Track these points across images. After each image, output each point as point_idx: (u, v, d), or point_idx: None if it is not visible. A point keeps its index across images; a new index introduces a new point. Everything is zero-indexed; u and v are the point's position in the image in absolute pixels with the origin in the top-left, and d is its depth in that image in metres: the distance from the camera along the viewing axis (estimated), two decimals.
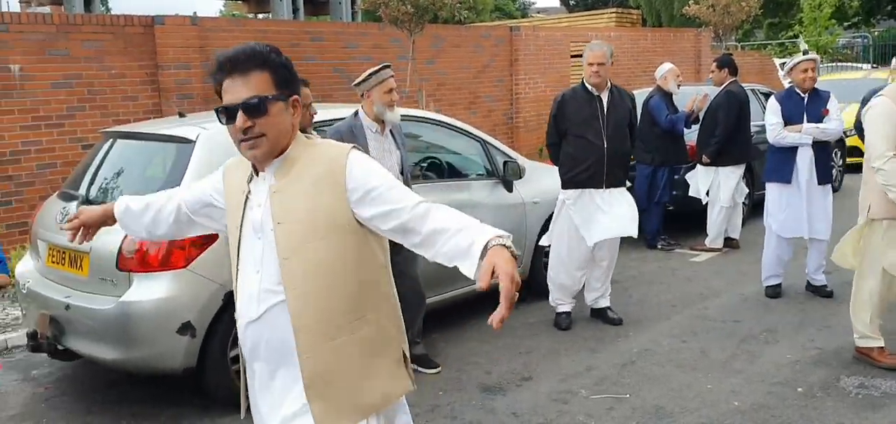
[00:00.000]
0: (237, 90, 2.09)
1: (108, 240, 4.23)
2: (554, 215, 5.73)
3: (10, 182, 7.84)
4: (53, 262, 4.60)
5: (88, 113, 8.36)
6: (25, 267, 4.96)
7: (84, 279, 4.35)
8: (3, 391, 4.93)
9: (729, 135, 7.62)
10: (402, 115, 4.94)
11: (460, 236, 1.99)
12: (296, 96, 2.18)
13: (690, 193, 8.07)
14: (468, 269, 1.96)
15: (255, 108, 2.07)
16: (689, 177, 8.10)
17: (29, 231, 5.47)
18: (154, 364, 4.25)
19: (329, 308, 2.15)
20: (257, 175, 2.22)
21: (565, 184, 5.56)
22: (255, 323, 2.20)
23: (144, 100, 8.80)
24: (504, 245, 1.91)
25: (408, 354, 2.39)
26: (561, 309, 5.77)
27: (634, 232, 5.64)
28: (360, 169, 2.14)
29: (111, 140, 5.06)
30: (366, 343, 2.21)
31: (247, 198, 2.23)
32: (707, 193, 7.91)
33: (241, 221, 2.24)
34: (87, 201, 4.57)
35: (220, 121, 2.14)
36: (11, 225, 7.83)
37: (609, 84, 5.56)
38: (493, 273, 1.85)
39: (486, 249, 1.91)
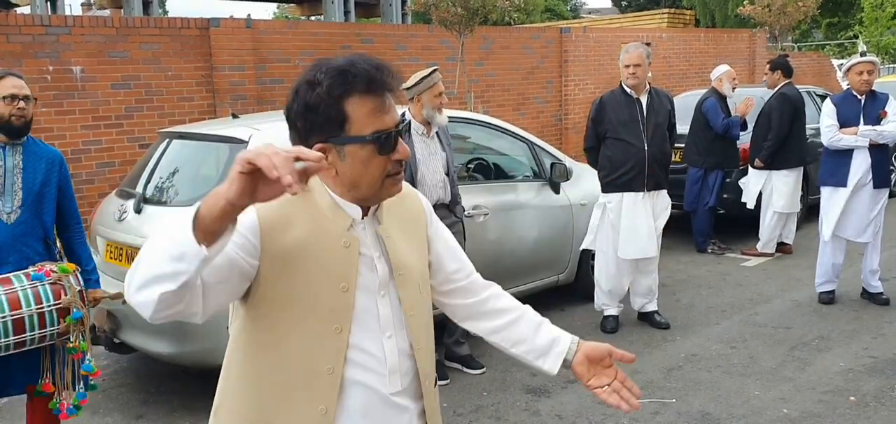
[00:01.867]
0: (390, 111, 1.65)
1: None
2: (594, 219, 5.70)
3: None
4: (111, 258, 4.76)
5: (146, 113, 8.60)
6: None
7: None
8: None
9: (782, 139, 7.48)
10: (451, 117, 4.99)
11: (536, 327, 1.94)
12: None
13: (744, 199, 7.94)
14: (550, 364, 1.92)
15: (401, 133, 1.70)
16: (741, 182, 7.97)
17: (88, 228, 5.65)
18: (206, 359, 4.36)
19: (431, 357, 1.88)
20: (363, 218, 1.74)
21: (606, 188, 5.54)
22: (392, 400, 1.76)
23: (199, 101, 9.00)
24: None
25: None
26: (607, 312, 5.74)
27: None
28: (435, 218, 1.95)
29: (167, 140, 5.21)
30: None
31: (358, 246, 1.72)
32: (758, 198, 7.76)
33: (357, 279, 1.70)
34: (144, 199, 4.72)
35: (382, 152, 1.63)
36: None
37: (648, 86, 5.52)
38: None
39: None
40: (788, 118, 7.44)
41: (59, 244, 3.64)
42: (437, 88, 4.69)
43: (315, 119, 1.61)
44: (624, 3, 38.58)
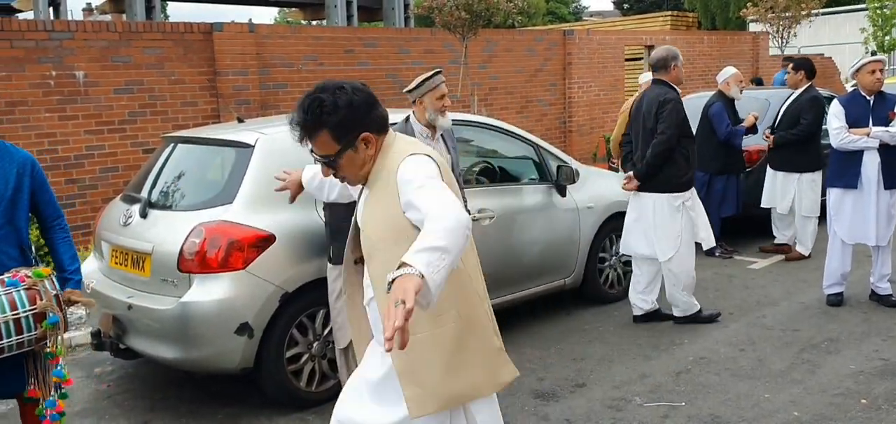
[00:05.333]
0: (310, 146, 2.48)
1: (169, 242, 4.34)
2: (669, 221, 5.65)
3: (74, 185, 8.10)
4: (116, 263, 4.73)
5: (149, 118, 8.59)
6: (90, 268, 5.11)
7: (146, 279, 4.47)
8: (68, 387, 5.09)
9: (809, 137, 7.38)
10: (455, 120, 4.95)
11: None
12: (364, 133, 2.43)
13: (763, 204, 7.84)
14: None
15: (328, 164, 2.48)
16: (767, 185, 7.84)
17: (92, 232, 5.64)
18: (212, 364, 4.34)
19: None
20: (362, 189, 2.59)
21: (684, 187, 5.68)
22: (367, 309, 2.59)
23: (203, 106, 9.00)
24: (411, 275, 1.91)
25: (501, 346, 2.59)
26: (698, 306, 5.90)
27: None
28: (404, 181, 2.36)
29: (172, 144, 5.18)
30: (448, 338, 2.41)
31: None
32: (791, 203, 7.62)
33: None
34: (150, 204, 4.69)
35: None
36: (75, 227, 8.06)
37: None
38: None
39: (392, 283, 1.92)
40: (819, 120, 7.39)
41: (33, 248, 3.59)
42: (439, 90, 4.65)
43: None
44: (625, 6, 38.59)
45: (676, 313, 5.83)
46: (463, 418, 2.55)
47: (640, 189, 5.69)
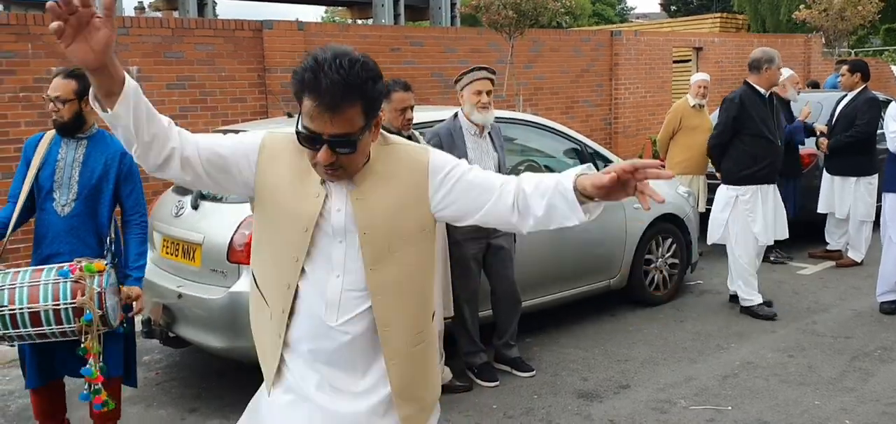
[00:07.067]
0: (324, 122, 1.86)
1: (220, 233, 4.42)
2: (721, 211, 5.96)
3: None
4: (167, 253, 4.83)
5: (200, 113, 8.73)
6: None
7: (196, 269, 4.55)
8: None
9: (867, 138, 7.20)
10: (501, 118, 4.94)
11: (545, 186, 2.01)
12: (378, 115, 1.99)
13: (820, 209, 7.67)
14: (572, 211, 1.97)
15: (343, 146, 1.89)
16: (823, 190, 7.66)
17: None
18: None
19: (412, 315, 2.13)
20: None
21: (742, 181, 5.82)
22: (333, 330, 2.06)
23: (252, 102, 9.11)
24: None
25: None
26: (759, 300, 6.00)
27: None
28: (442, 171, 2.08)
29: None
30: (432, 342, 2.25)
31: (325, 198, 2.04)
32: (849, 208, 7.42)
33: (316, 221, 2.03)
34: (202, 195, 4.78)
35: (300, 143, 1.92)
36: None
37: None
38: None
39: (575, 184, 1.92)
40: (876, 122, 7.22)
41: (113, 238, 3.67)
42: (475, 86, 4.64)
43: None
44: (672, 8, 38.13)
45: (741, 301, 6.09)
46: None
47: None
